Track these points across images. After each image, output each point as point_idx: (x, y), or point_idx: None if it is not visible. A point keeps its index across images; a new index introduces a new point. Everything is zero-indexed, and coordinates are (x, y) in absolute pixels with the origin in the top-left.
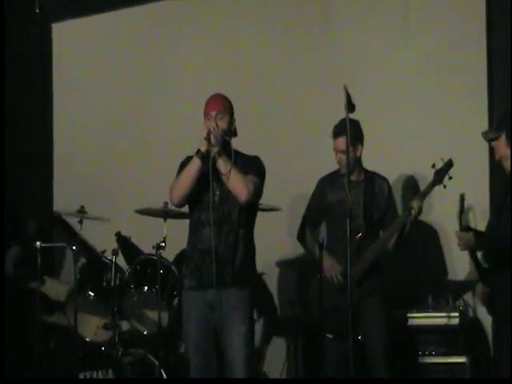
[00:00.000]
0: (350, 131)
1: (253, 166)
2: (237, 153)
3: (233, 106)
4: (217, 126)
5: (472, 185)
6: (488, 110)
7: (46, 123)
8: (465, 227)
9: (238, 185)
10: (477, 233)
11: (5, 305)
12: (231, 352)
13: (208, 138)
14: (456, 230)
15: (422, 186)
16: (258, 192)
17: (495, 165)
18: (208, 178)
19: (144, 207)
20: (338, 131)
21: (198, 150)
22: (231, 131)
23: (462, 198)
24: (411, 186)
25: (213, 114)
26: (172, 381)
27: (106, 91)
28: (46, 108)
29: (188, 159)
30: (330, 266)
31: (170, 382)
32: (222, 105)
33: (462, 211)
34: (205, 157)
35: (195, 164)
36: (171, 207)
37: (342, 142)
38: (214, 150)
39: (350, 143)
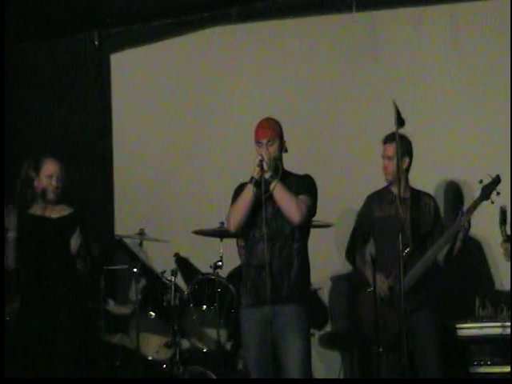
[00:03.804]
0: (399, 144)
1: (305, 186)
2: (289, 173)
3: (281, 127)
4: (268, 152)
5: None
6: None
7: (105, 150)
8: (508, 238)
9: (292, 208)
10: None
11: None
12: (289, 367)
13: (260, 165)
14: (500, 241)
15: (466, 195)
16: (310, 211)
17: None
18: (260, 196)
19: (201, 228)
20: (387, 138)
21: (252, 178)
22: (282, 154)
23: (503, 210)
24: (455, 194)
25: (263, 141)
26: (174, 381)
27: (162, 117)
28: (105, 134)
29: (241, 186)
30: (380, 283)
31: (171, 382)
32: (271, 131)
33: (504, 222)
34: (259, 183)
35: (250, 191)
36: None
37: (390, 148)
38: (267, 175)
39: (399, 155)
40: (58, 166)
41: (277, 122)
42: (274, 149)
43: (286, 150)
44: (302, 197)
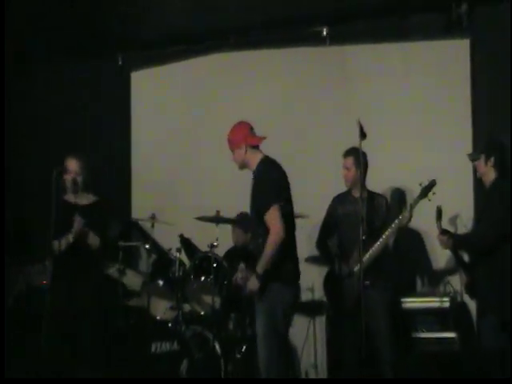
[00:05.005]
0: (356, 157)
1: (268, 193)
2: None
3: (241, 132)
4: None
5: (460, 196)
6: (472, 136)
7: (125, 150)
8: (443, 231)
9: (277, 246)
10: (454, 235)
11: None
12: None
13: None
14: (437, 234)
15: (408, 198)
16: (280, 217)
17: (478, 180)
18: None
19: (201, 215)
20: (346, 152)
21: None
22: (244, 157)
23: (439, 209)
24: (400, 196)
25: None
26: (174, 381)
27: (172, 123)
28: (125, 136)
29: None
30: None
31: (172, 382)
32: (229, 145)
33: (439, 219)
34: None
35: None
36: (222, 215)
37: (347, 161)
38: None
39: (356, 164)
40: (77, 163)
41: (233, 133)
42: (235, 157)
43: (263, 137)
44: (271, 214)
